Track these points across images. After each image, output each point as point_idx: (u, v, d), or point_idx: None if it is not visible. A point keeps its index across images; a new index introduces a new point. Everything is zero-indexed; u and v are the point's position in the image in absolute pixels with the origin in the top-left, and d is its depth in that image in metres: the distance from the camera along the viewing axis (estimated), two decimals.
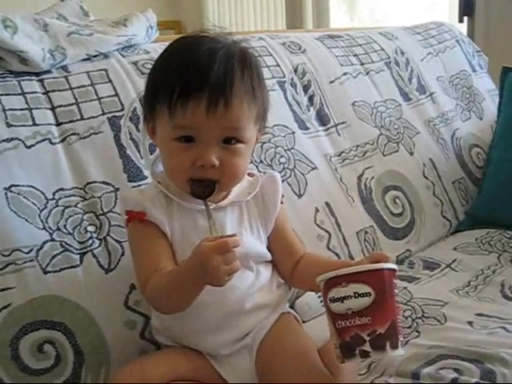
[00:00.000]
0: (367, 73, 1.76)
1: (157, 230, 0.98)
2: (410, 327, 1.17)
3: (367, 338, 0.83)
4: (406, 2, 3.52)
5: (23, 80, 1.19)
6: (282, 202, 1.08)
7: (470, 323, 1.16)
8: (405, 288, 1.32)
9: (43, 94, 1.20)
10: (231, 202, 1.02)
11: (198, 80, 0.91)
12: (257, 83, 0.98)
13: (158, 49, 1.39)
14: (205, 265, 0.83)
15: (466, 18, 2.78)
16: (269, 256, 1.05)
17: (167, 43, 1.38)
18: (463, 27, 2.71)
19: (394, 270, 0.87)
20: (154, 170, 1.07)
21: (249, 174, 1.07)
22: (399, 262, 1.50)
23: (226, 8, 4.46)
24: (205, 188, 0.95)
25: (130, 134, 1.24)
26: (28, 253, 1.04)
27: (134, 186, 1.18)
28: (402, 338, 0.85)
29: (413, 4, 3.50)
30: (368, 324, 0.83)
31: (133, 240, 1.02)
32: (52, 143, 1.16)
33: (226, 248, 0.84)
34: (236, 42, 1.00)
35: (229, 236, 0.87)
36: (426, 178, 1.70)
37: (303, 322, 1.14)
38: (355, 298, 0.84)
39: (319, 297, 1.28)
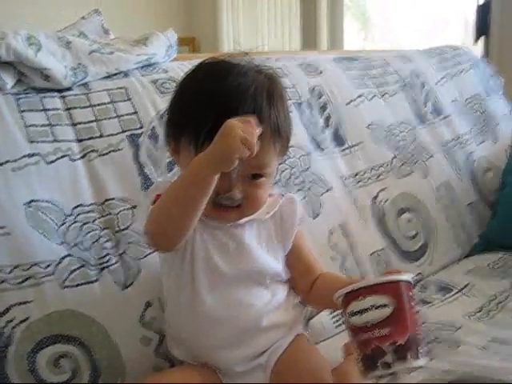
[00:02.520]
0: (382, 95, 1.77)
1: None
2: None
3: (388, 350, 0.83)
4: (419, 21, 3.54)
5: (45, 97, 1.21)
6: (299, 224, 1.09)
7: (483, 348, 1.16)
8: (417, 311, 1.32)
9: (64, 110, 1.21)
10: (249, 219, 1.03)
11: None
12: (282, 120, 0.99)
13: (176, 68, 1.41)
14: (223, 129, 0.84)
15: (481, 38, 2.79)
16: (285, 275, 1.06)
17: (185, 63, 1.42)
18: (478, 47, 2.72)
19: (409, 282, 0.88)
20: None
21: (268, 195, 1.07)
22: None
23: (240, 25, 4.49)
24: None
25: (148, 152, 1.25)
26: (46, 268, 1.06)
27: None
28: (421, 349, 0.85)
29: (427, 24, 3.52)
30: (388, 335, 0.83)
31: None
32: (72, 160, 1.17)
33: (248, 121, 0.86)
34: (263, 71, 1.01)
35: None
36: (439, 200, 1.71)
37: (316, 342, 1.14)
38: (373, 310, 0.84)
39: (333, 317, 1.29)
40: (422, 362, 0.85)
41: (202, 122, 0.93)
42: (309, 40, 3.81)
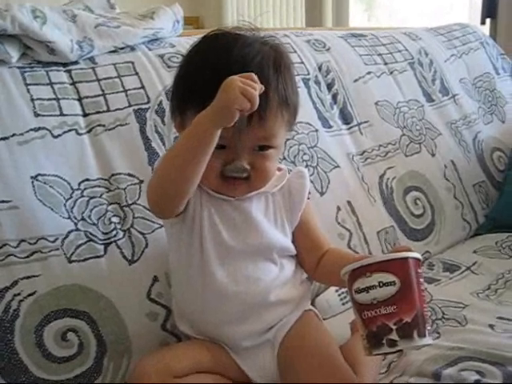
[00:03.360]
0: (391, 73, 1.75)
1: None
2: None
3: (394, 327, 0.82)
4: (424, 3, 3.51)
5: (51, 70, 1.20)
6: (308, 198, 1.08)
7: (490, 326, 1.16)
8: (425, 289, 1.32)
9: (70, 84, 1.20)
10: (257, 192, 1.01)
11: None
12: (290, 91, 0.98)
13: (183, 43, 1.40)
14: (223, 85, 0.84)
15: (488, 20, 2.76)
16: (293, 250, 1.05)
17: (192, 38, 1.40)
18: (485, 29, 2.69)
19: (418, 259, 0.87)
20: None
21: (277, 169, 1.06)
22: None
23: (244, 4, 4.46)
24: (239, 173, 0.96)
25: (155, 126, 1.24)
26: (53, 242, 1.05)
27: None
28: (429, 327, 0.85)
29: (431, 5, 3.49)
30: (394, 313, 0.82)
31: None
32: (78, 134, 1.16)
33: (248, 76, 0.85)
34: (269, 43, 1.00)
35: None
36: (447, 179, 1.69)
37: (323, 319, 1.14)
38: (380, 287, 0.83)
39: (339, 295, 1.28)
40: (428, 340, 0.84)
41: (206, 94, 0.90)
42: (313, 20, 3.78)
